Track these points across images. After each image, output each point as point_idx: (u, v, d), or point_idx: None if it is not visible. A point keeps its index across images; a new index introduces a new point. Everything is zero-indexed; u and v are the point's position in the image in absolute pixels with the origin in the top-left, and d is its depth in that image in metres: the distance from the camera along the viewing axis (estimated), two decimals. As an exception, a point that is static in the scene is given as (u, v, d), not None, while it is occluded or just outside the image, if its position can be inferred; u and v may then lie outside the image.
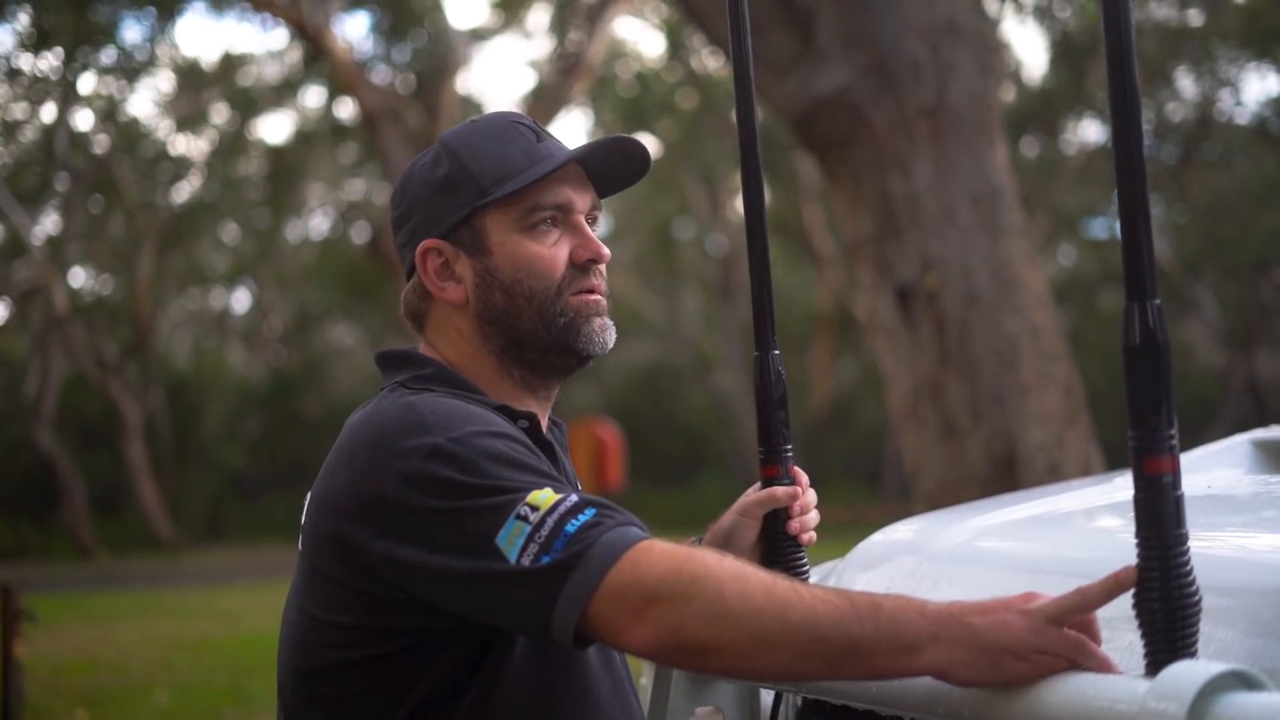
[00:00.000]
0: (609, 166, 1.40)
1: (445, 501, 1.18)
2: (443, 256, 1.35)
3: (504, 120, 1.40)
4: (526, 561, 1.13)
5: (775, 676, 1.16)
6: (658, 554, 1.12)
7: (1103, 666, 1.01)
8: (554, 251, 1.33)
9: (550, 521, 1.14)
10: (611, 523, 1.15)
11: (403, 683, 1.26)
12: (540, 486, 1.17)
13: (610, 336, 1.37)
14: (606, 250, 1.36)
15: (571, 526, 1.14)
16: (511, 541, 1.14)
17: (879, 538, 1.57)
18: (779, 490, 1.41)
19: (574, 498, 1.16)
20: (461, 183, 1.34)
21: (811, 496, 1.43)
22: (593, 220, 1.39)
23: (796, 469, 1.43)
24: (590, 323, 1.34)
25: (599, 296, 1.36)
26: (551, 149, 1.36)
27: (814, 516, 1.43)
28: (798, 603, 1.07)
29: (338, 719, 1.29)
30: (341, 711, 1.29)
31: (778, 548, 1.40)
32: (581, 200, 1.36)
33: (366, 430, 1.27)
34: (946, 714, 1.04)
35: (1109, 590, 1.02)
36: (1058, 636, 1.01)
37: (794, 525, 1.39)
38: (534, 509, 1.15)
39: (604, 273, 1.37)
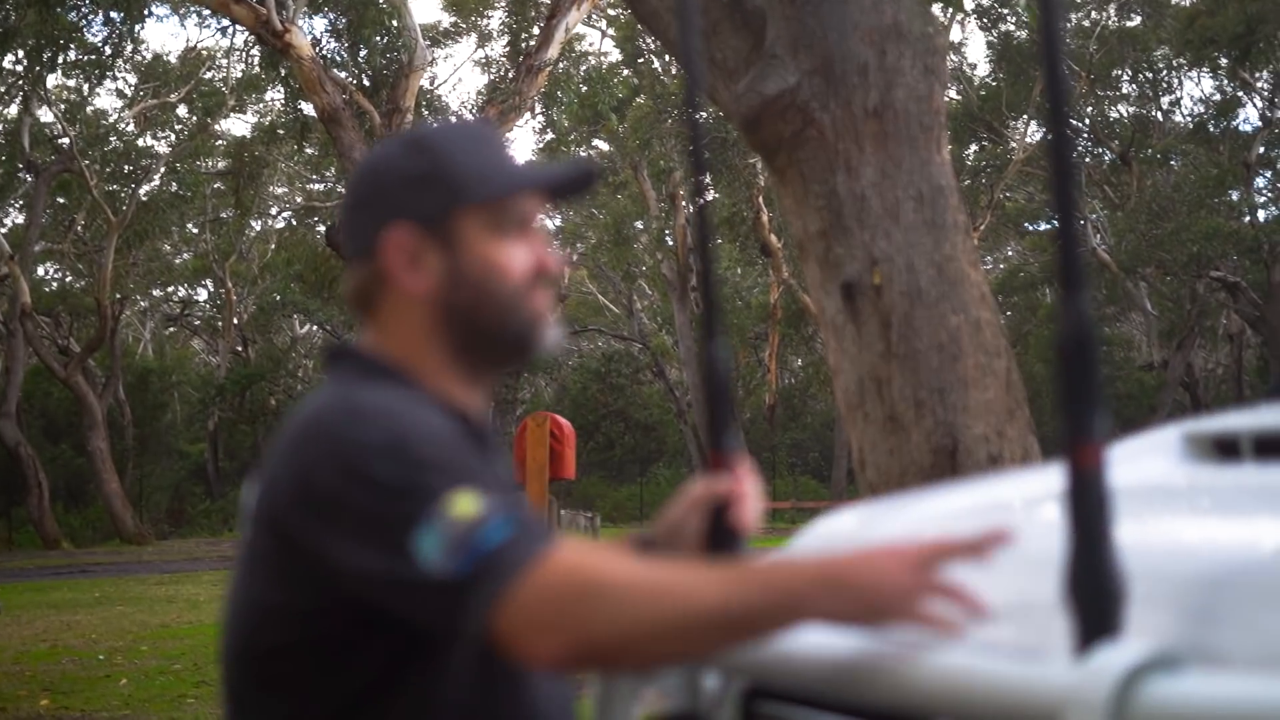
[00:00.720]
0: (564, 184, 1.49)
1: (370, 499, 1.21)
2: (411, 245, 1.38)
3: (483, 127, 1.49)
4: (437, 568, 1.17)
5: (688, 660, 1.25)
6: (563, 564, 1.17)
7: (975, 610, 1.12)
8: (519, 257, 1.39)
9: (466, 531, 1.18)
10: (525, 535, 1.19)
11: (344, 666, 1.28)
12: (464, 492, 1.20)
13: (556, 337, 1.44)
14: (558, 261, 1.45)
15: (486, 537, 1.18)
16: (427, 546, 1.18)
17: (820, 527, 1.61)
18: (718, 481, 1.44)
19: (493, 507, 1.20)
20: (441, 179, 1.38)
21: (754, 487, 1.46)
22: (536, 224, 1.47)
23: (741, 459, 1.46)
24: (542, 325, 1.42)
25: (550, 301, 1.44)
26: (515, 162, 1.43)
27: (756, 508, 1.45)
28: (697, 589, 1.14)
29: (281, 702, 1.31)
30: (285, 694, 1.31)
31: (720, 539, 1.42)
32: (538, 211, 1.45)
33: (308, 423, 1.31)
34: (879, 700, 1.08)
35: (978, 544, 1.13)
36: (929, 580, 1.12)
37: (733, 517, 1.42)
38: (453, 516, 1.19)
39: (555, 276, 1.46)
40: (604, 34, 24.34)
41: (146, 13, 14.54)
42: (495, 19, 20.71)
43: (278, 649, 1.30)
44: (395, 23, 16.94)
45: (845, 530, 1.56)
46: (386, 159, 1.42)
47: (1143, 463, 1.67)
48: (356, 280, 1.42)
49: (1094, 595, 1.00)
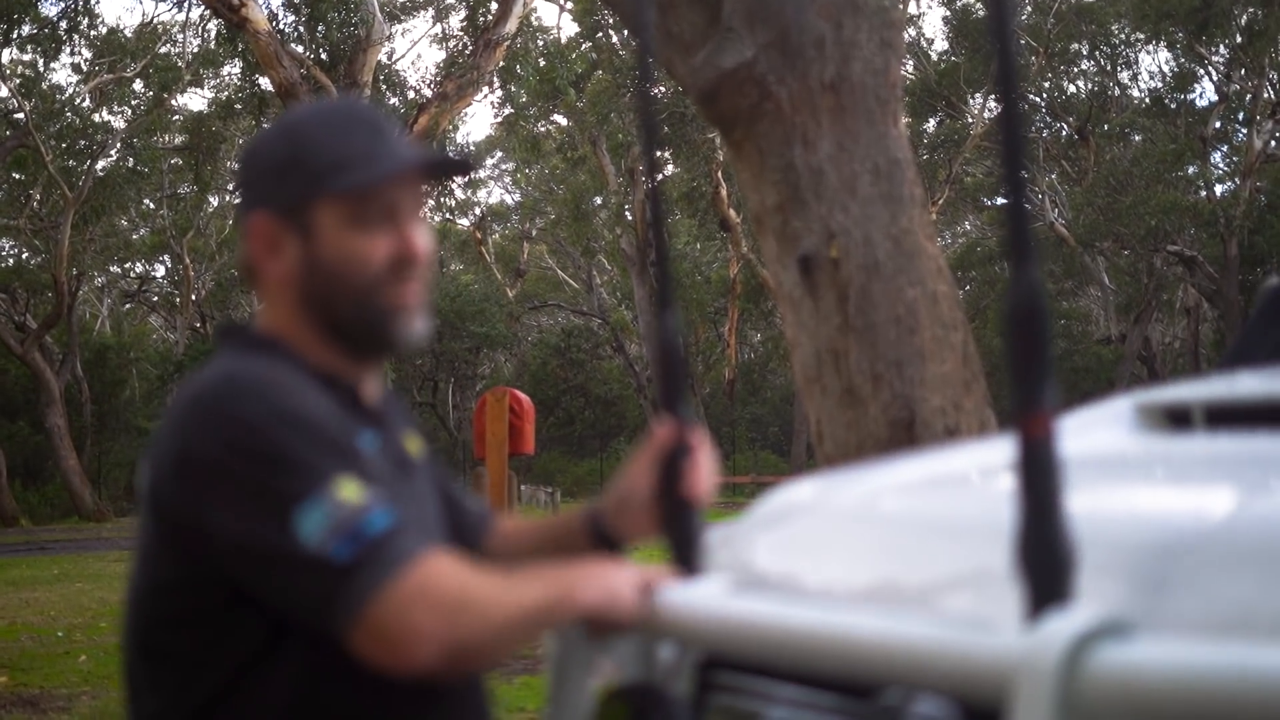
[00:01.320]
0: (440, 168, 1.54)
1: (253, 471, 1.24)
2: (270, 231, 1.40)
3: (348, 110, 1.46)
4: (315, 547, 1.20)
5: (511, 651, 1.35)
6: (442, 569, 1.23)
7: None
8: (377, 248, 1.39)
9: (350, 515, 1.21)
10: (405, 531, 1.23)
11: (225, 640, 1.29)
12: (350, 477, 1.23)
13: (421, 329, 1.43)
14: (426, 251, 1.42)
15: (369, 524, 1.21)
16: (309, 524, 1.20)
17: (777, 499, 1.61)
18: (666, 449, 1.43)
19: (375, 497, 1.23)
20: (299, 168, 1.39)
21: (706, 456, 1.45)
22: (418, 214, 1.45)
23: (695, 430, 1.45)
24: (402, 317, 1.41)
25: (414, 292, 1.42)
26: (391, 148, 1.41)
27: (709, 477, 1.45)
28: (520, 596, 1.25)
29: (168, 675, 1.33)
30: (171, 668, 1.32)
31: (673, 509, 1.42)
32: (408, 198, 1.42)
33: (189, 398, 1.33)
34: (833, 667, 1.08)
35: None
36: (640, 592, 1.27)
37: (683, 487, 1.41)
38: (339, 498, 1.21)
39: (422, 265, 1.43)
40: (562, 8, 24.20)
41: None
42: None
43: (163, 622, 1.32)
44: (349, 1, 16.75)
45: (803, 500, 1.57)
46: (258, 146, 1.45)
47: (1095, 433, 1.68)
48: (241, 258, 1.45)
49: (1044, 563, 1.01)
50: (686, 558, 1.39)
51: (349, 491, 1.22)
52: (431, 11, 22.15)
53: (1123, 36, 21.38)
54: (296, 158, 1.39)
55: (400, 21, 22.43)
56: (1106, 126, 22.34)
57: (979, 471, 1.61)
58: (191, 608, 1.30)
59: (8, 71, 21.11)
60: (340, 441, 1.27)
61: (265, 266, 1.41)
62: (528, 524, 1.63)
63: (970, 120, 22.30)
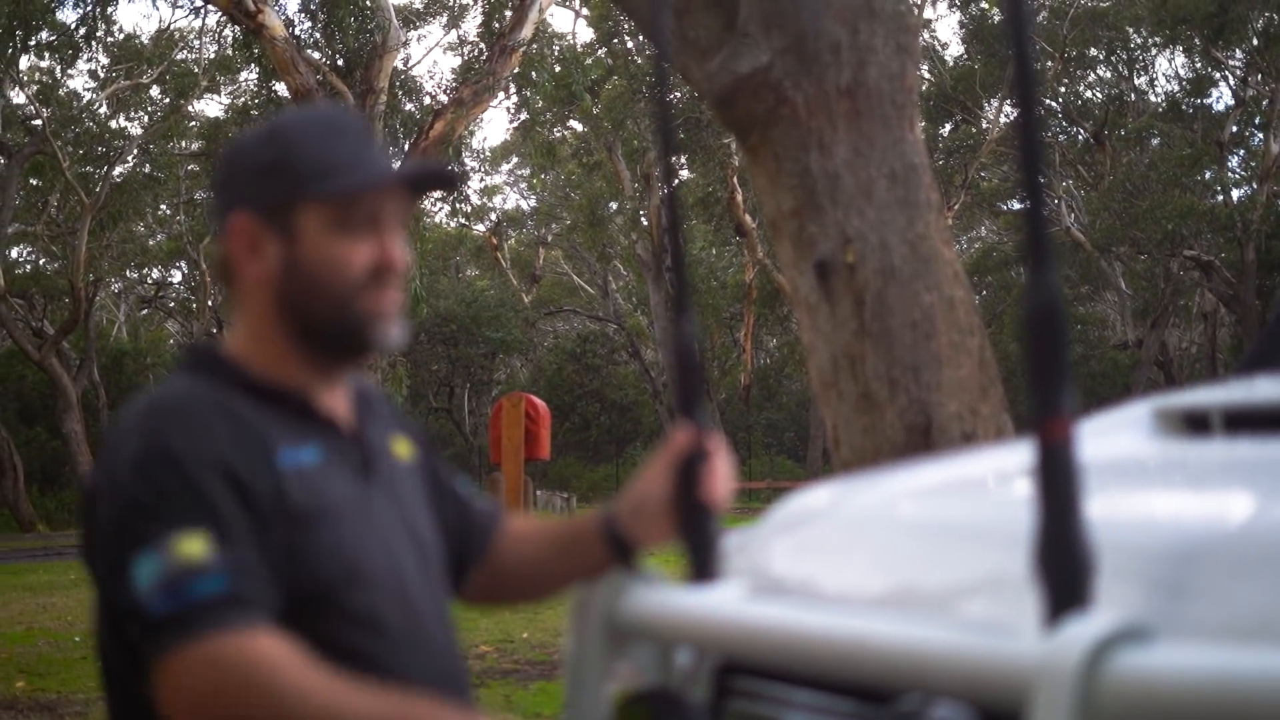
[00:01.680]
0: (425, 180, 1.53)
1: (114, 509, 1.30)
2: (250, 232, 1.41)
3: (336, 117, 1.50)
4: (142, 597, 1.24)
5: None
6: (248, 650, 1.22)
7: None
8: (358, 254, 1.40)
9: (182, 573, 1.24)
10: (232, 602, 1.24)
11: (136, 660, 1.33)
12: (198, 534, 1.25)
13: (397, 336, 1.45)
14: (405, 260, 1.44)
15: (196, 587, 1.24)
16: (143, 573, 1.25)
17: (793, 504, 1.61)
18: (683, 453, 1.43)
19: (219, 561, 1.25)
20: (285, 170, 1.40)
21: (723, 462, 1.45)
22: (400, 225, 1.46)
23: (712, 434, 1.45)
24: (379, 323, 1.42)
25: (391, 299, 1.43)
26: (370, 158, 1.43)
27: (726, 480, 1.44)
28: (344, 708, 1.22)
29: (112, 682, 1.38)
30: (111, 685, 1.38)
31: (690, 514, 1.42)
32: (393, 207, 1.44)
33: (120, 419, 1.39)
34: (851, 672, 1.08)
35: None
36: None
37: (700, 491, 1.41)
38: (175, 553, 1.25)
39: (400, 274, 1.44)
40: (577, 14, 24.24)
41: (118, -9, 14.41)
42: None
43: (98, 630, 1.38)
44: (369, 2, 16.79)
45: (819, 505, 1.57)
46: (243, 146, 1.46)
47: (1113, 438, 1.68)
48: (218, 258, 1.46)
49: (1063, 568, 1.01)
50: (703, 563, 1.39)
51: (190, 548, 1.25)
52: (446, 18, 22.20)
53: (1139, 41, 21.28)
54: (283, 160, 1.40)
55: (416, 28, 22.50)
56: (1123, 131, 22.24)
57: (996, 476, 1.61)
58: (107, 628, 1.35)
59: (25, 78, 21.21)
60: (207, 494, 1.28)
61: (242, 266, 1.42)
62: (541, 526, 1.63)
63: (986, 125, 22.24)
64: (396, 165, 1.49)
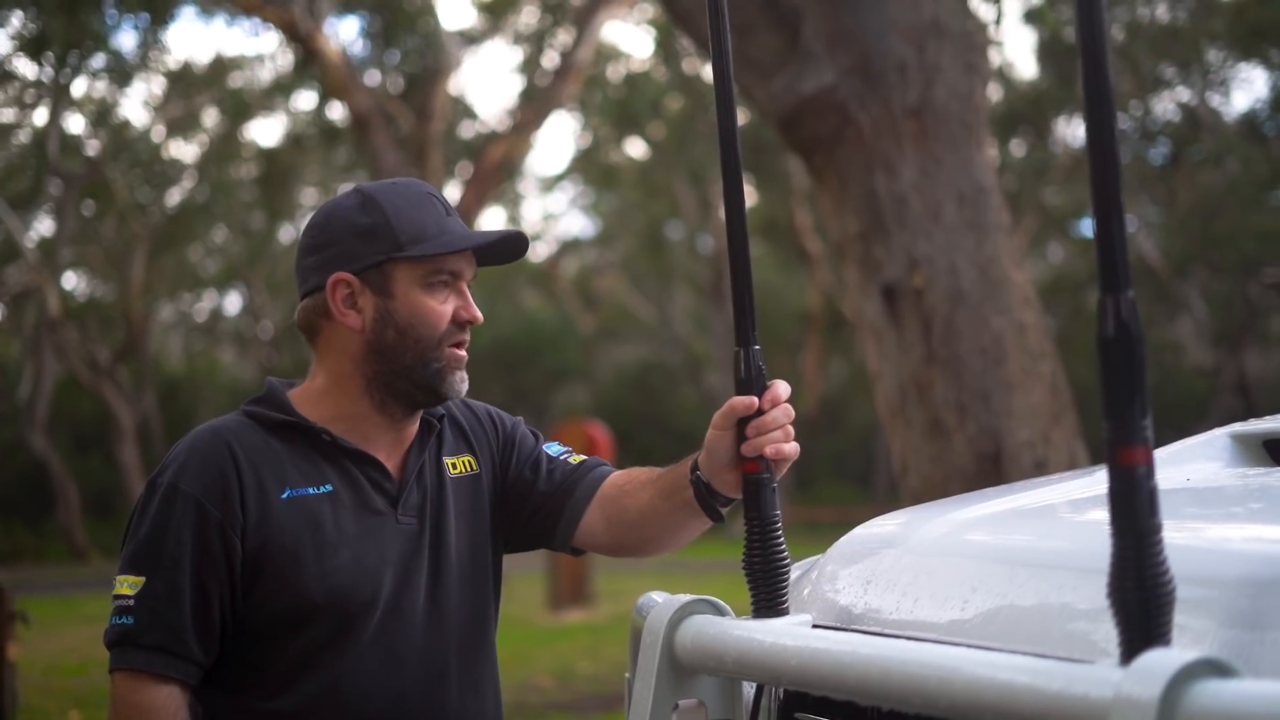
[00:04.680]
0: (498, 250, 1.69)
1: (130, 523, 1.62)
2: (350, 288, 1.61)
3: (422, 190, 1.68)
4: (114, 602, 1.57)
5: None
6: (133, 696, 1.54)
7: None
8: (443, 309, 1.62)
9: (118, 604, 1.57)
10: (133, 640, 1.55)
11: None
12: (132, 577, 1.56)
13: (464, 387, 1.65)
14: (480, 315, 1.66)
15: (119, 619, 1.56)
16: (120, 586, 1.58)
17: (860, 531, 1.58)
18: (737, 401, 1.45)
19: (134, 604, 1.55)
20: (382, 234, 1.60)
21: (779, 412, 1.44)
22: (469, 284, 1.67)
23: (775, 383, 1.46)
24: (455, 373, 1.64)
25: (465, 353, 1.65)
26: (454, 225, 1.64)
27: (778, 433, 1.44)
28: None
29: None
30: None
31: (747, 470, 1.43)
32: (469, 270, 1.66)
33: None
34: (923, 705, 1.05)
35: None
36: None
37: (747, 446, 1.44)
38: (126, 581, 1.56)
39: (475, 327, 1.66)
40: (639, 36, 24.25)
41: (172, 15, 14.62)
42: (525, 18, 20.63)
43: None
44: (430, 23, 16.96)
45: (885, 534, 1.54)
46: (339, 211, 1.65)
47: (1191, 464, 1.63)
48: (304, 313, 1.66)
49: (1140, 600, 0.97)
50: (769, 594, 1.37)
51: (123, 588, 1.56)
52: (508, 37, 22.29)
53: (1216, 58, 20.89)
54: (381, 225, 1.60)
55: (475, 49, 22.65)
56: (1201, 152, 21.83)
57: (1070, 504, 1.57)
58: None
59: (81, 104, 21.48)
60: (179, 543, 1.55)
61: (343, 320, 1.61)
62: (653, 474, 1.71)
63: (1060, 147, 21.97)
64: (474, 230, 1.69)
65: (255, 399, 1.68)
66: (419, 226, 1.60)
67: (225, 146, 24.06)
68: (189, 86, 23.04)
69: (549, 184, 30.82)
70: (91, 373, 22.64)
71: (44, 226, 23.37)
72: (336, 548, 1.57)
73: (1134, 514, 0.98)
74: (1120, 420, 0.98)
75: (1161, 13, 20.63)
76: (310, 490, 1.59)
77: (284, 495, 1.58)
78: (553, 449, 1.79)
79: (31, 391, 21.84)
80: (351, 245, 1.61)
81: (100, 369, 22.82)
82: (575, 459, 1.78)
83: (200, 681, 1.59)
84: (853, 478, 29.26)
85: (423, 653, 1.61)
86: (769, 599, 1.37)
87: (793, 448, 1.45)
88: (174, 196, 24.21)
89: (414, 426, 1.69)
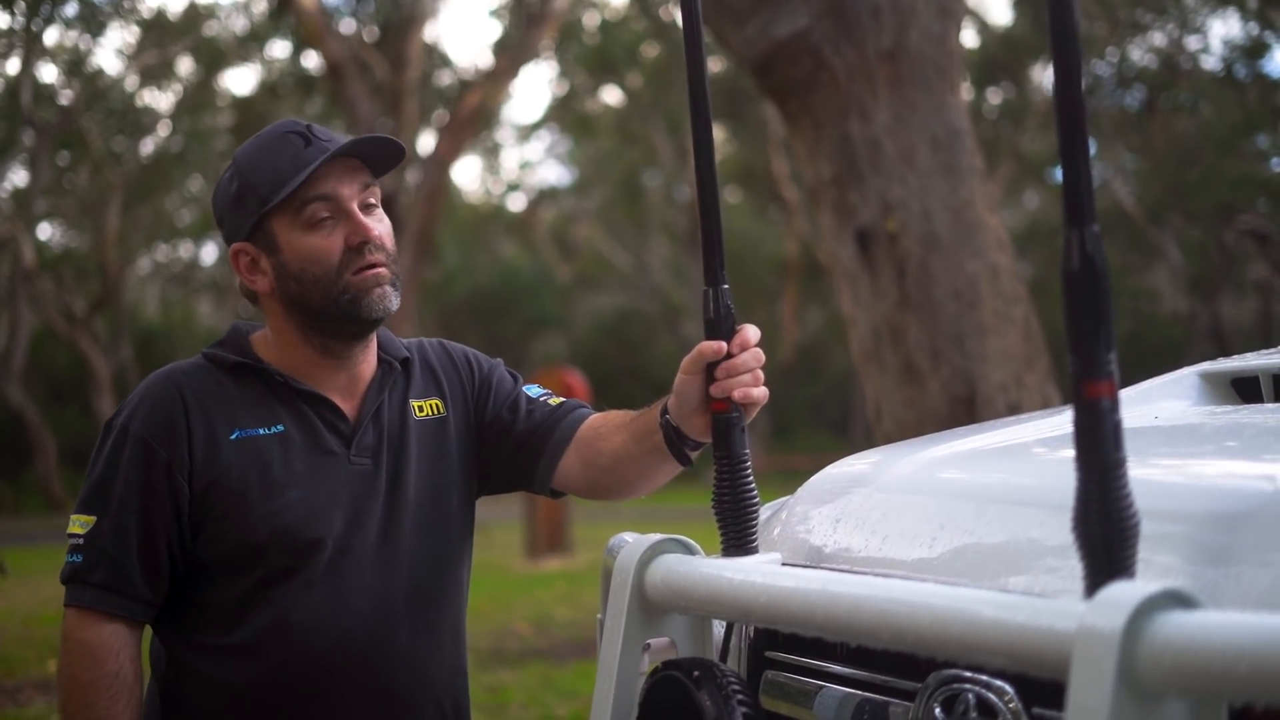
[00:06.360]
0: (371, 151, 1.63)
1: (91, 461, 1.64)
2: (249, 256, 1.63)
3: (279, 131, 1.64)
4: (68, 540, 1.61)
5: None
6: (78, 621, 1.60)
7: None
8: (329, 241, 1.59)
9: (70, 538, 1.61)
10: (81, 578, 1.59)
11: None
12: (84, 515, 1.60)
13: (391, 302, 1.62)
14: (375, 231, 1.60)
15: (70, 556, 1.60)
16: (74, 522, 1.62)
17: (830, 470, 1.59)
18: (706, 346, 1.45)
19: (85, 541, 1.59)
20: (247, 194, 1.60)
21: (749, 356, 1.44)
22: (367, 202, 1.63)
23: (745, 327, 1.45)
24: (370, 294, 1.60)
25: (377, 270, 1.60)
26: (312, 154, 1.59)
27: (746, 377, 1.43)
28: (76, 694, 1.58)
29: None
30: None
31: (715, 413, 1.43)
32: (349, 188, 1.60)
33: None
34: (891, 639, 1.06)
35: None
36: None
37: (715, 387, 1.43)
38: (79, 520, 1.61)
39: (383, 244, 1.61)
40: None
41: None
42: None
43: None
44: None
45: (855, 473, 1.54)
46: (218, 187, 1.67)
47: (1160, 403, 1.64)
48: (240, 285, 1.68)
49: (1105, 533, 0.98)
50: (738, 533, 1.38)
51: (75, 526, 1.61)
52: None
53: (1191, 3, 20.81)
54: (244, 187, 1.60)
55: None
56: (1178, 97, 21.80)
57: (1038, 442, 1.58)
58: None
59: (54, 53, 21.13)
60: (127, 483, 1.59)
61: (254, 287, 1.64)
62: (627, 417, 1.71)
63: (1034, 91, 21.91)
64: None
65: (216, 341, 1.70)
66: (275, 172, 1.58)
67: (200, 95, 23.73)
68: (163, 35, 22.66)
69: (525, 133, 30.53)
70: (67, 324, 22.48)
71: (18, 177, 23.02)
72: (284, 487, 1.59)
73: (1099, 447, 0.98)
74: (1085, 354, 0.98)
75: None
76: (260, 431, 1.62)
77: (233, 436, 1.61)
78: (532, 390, 1.78)
79: (7, 343, 21.67)
80: (232, 216, 1.63)
81: (76, 320, 22.65)
82: (554, 400, 1.77)
83: (155, 619, 1.63)
84: (829, 425, 29.43)
85: (372, 592, 1.62)
86: (738, 538, 1.38)
87: (761, 392, 1.44)
88: (149, 146, 23.88)
89: (368, 365, 1.69)
